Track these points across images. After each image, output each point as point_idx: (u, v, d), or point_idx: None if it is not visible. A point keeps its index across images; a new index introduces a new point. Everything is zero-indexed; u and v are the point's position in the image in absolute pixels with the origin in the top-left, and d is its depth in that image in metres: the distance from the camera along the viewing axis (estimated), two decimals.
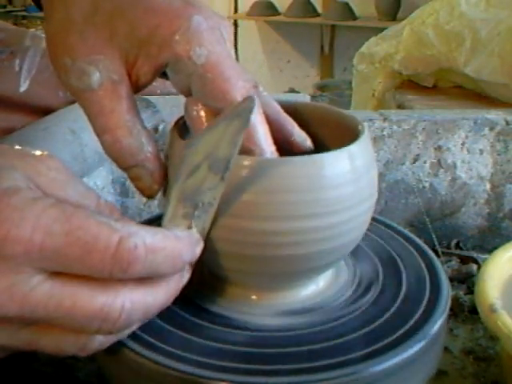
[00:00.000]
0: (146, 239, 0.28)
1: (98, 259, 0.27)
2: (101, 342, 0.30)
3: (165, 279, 0.30)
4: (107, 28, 0.34)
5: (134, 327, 0.31)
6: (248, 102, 0.30)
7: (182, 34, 0.33)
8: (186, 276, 0.32)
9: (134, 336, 0.32)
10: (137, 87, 0.36)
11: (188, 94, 0.35)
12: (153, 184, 0.35)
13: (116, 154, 0.34)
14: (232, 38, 0.38)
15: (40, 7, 0.43)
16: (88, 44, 0.34)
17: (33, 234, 0.26)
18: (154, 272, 0.29)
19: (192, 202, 0.31)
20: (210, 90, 0.33)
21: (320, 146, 0.38)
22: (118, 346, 0.32)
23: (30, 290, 0.26)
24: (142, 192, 0.36)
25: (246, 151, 0.33)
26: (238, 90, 0.33)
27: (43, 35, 0.64)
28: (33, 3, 0.45)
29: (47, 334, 0.28)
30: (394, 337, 0.33)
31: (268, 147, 0.34)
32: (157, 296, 0.30)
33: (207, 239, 0.33)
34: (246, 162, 0.32)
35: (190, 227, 0.32)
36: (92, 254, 0.27)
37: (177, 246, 0.30)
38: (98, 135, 0.34)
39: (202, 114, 0.34)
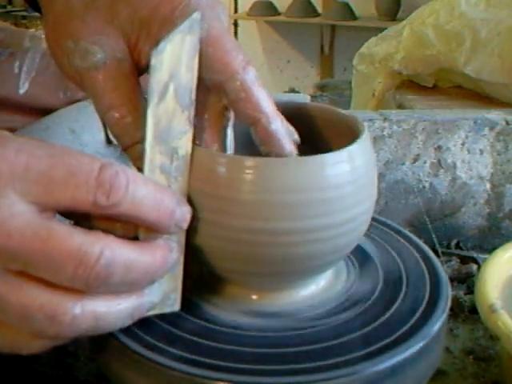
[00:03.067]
0: (127, 170, 0.28)
1: (82, 180, 0.27)
2: (56, 333, 0.28)
3: (151, 241, 0.30)
4: (108, 11, 0.35)
5: (117, 303, 0.29)
6: (194, 14, 0.32)
7: (181, 9, 0.34)
8: (174, 253, 0.31)
9: (133, 336, 0.33)
10: (139, 69, 0.36)
11: None
12: None
13: (121, 131, 0.34)
14: (227, 21, 0.38)
15: (34, 8, 0.43)
16: (90, 27, 0.34)
17: (17, 154, 0.26)
18: (137, 212, 0.28)
19: (167, 147, 0.32)
20: (211, 63, 0.33)
21: (320, 146, 0.38)
22: (118, 346, 0.32)
23: (10, 215, 0.26)
24: None
25: (251, 122, 0.33)
26: (239, 62, 0.33)
27: (43, 36, 0.64)
28: (29, 6, 0.45)
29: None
30: (394, 337, 0.33)
31: (275, 113, 0.34)
32: (141, 257, 0.29)
33: (206, 239, 0.33)
34: (247, 162, 0.32)
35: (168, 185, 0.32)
36: (76, 176, 0.27)
37: (158, 192, 0.29)
38: (103, 113, 0.34)
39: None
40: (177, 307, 0.34)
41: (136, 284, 0.30)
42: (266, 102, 0.34)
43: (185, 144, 0.32)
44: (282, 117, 0.35)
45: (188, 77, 0.32)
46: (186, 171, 0.33)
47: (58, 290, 0.27)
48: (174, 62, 0.31)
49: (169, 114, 0.32)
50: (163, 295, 0.32)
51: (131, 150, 0.35)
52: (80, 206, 0.27)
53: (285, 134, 0.34)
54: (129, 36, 0.35)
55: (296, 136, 0.37)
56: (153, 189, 0.29)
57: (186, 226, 0.32)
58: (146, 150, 0.31)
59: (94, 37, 0.34)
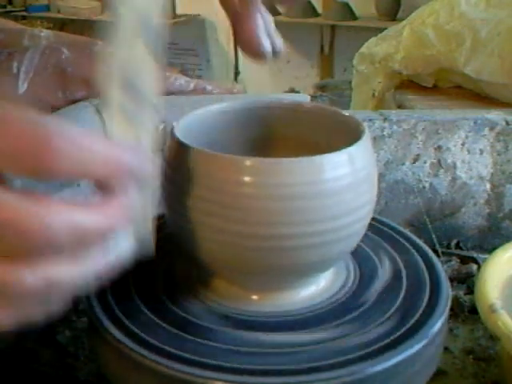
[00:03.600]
0: (69, 129, 0.25)
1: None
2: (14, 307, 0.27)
3: (103, 198, 0.28)
4: None
5: (71, 265, 0.27)
6: None
7: None
8: (133, 204, 0.29)
9: (133, 335, 0.33)
10: None
11: None
12: None
13: None
14: None
15: None
16: None
17: None
18: (82, 168, 0.26)
19: (132, 89, 0.30)
20: None
21: (320, 147, 0.38)
22: (118, 346, 0.32)
23: None
24: None
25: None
26: None
27: (42, 33, 0.64)
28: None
29: None
30: (394, 337, 0.33)
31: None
32: (88, 216, 0.27)
33: (205, 242, 0.33)
34: (247, 162, 0.32)
35: (137, 138, 0.30)
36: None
37: (111, 147, 0.27)
38: None
39: None
40: (151, 252, 0.32)
41: (90, 244, 0.27)
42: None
43: (151, 89, 0.31)
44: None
45: (157, 20, 0.30)
46: (156, 121, 0.31)
47: (4, 259, 0.26)
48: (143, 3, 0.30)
49: (136, 57, 0.30)
50: (133, 244, 0.30)
51: None
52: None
53: (265, 29, 0.35)
54: None
55: (280, 47, 0.38)
56: (103, 149, 0.27)
57: (146, 174, 0.29)
58: (112, 96, 0.29)
59: None
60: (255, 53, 0.39)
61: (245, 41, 0.39)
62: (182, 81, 0.66)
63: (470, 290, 0.54)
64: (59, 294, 0.28)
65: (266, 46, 0.38)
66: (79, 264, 0.28)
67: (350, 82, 1.25)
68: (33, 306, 0.28)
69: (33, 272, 0.26)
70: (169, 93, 0.67)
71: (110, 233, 0.28)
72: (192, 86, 0.67)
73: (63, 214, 0.26)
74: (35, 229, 0.25)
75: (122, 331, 0.33)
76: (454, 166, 0.63)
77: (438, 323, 0.34)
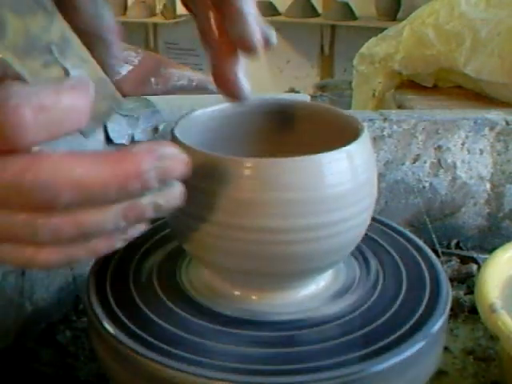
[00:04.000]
0: (31, 100, 0.24)
1: None
2: (49, 252, 0.27)
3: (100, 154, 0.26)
4: None
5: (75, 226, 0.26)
6: None
7: None
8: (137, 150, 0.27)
9: (133, 335, 0.33)
10: None
11: None
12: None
13: None
14: None
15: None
16: None
17: None
18: (55, 129, 0.25)
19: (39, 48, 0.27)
20: None
21: (320, 146, 0.38)
22: (118, 346, 0.32)
23: None
24: None
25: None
26: None
27: None
28: None
29: None
30: (394, 337, 0.33)
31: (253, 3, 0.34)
32: (92, 164, 0.25)
33: (205, 238, 0.33)
34: (246, 162, 0.32)
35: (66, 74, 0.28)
36: None
37: (73, 95, 0.25)
38: None
39: None
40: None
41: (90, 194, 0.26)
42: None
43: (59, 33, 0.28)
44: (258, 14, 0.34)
45: None
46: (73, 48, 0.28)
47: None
48: None
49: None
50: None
51: None
52: None
53: (256, 21, 0.33)
54: None
55: (274, 39, 0.36)
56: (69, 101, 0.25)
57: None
58: None
59: None
60: (235, 95, 0.37)
61: (223, 84, 0.37)
62: (184, 81, 0.66)
63: (470, 290, 0.55)
64: (89, 234, 0.27)
65: (246, 88, 0.37)
66: (103, 213, 0.27)
67: (350, 82, 1.25)
68: (73, 247, 0.28)
69: (62, 217, 0.26)
70: (169, 92, 0.67)
71: (118, 190, 0.26)
72: (194, 85, 0.67)
73: (64, 169, 0.25)
74: (29, 192, 0.25)
75: (122, 331, 0.33)
76: (454, 166, 0.63)
77: (438, 323, 0.34)
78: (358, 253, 0.41)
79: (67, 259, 0.28)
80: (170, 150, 0.27)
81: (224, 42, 0.35)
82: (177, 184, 0.28)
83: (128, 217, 0.27)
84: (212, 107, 0.40)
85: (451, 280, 0.54)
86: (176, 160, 0.27)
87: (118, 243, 0.29)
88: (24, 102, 0.24)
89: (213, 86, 0.40)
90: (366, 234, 0.37)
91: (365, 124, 0.36)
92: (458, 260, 0.60)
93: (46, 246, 0.27)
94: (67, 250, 0.28)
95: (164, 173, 0.27)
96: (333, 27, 3.38)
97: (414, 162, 0.63)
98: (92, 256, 0.29)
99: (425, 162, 0.63)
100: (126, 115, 0.56)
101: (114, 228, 0.28)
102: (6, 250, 0.27)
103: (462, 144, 0.63)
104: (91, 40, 0.32)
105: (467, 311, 0.52)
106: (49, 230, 0.26)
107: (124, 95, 0.35)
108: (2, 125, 0.24)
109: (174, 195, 0.29)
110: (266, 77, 3.47)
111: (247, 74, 0.36)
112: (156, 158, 0.26)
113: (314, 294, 0.37)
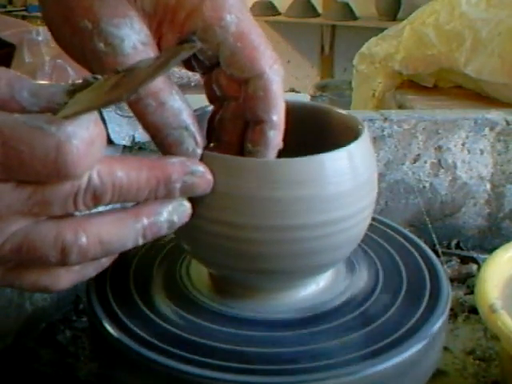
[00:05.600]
0: (83, 135, 0.25)
1: (40, 166, 0.25)
2: (76, 272, 0.28)
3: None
4: None
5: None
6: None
7: (212, 0, 0.32)
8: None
9: (133, 335, 0.33)
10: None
11: (213, 62, 0.34)
12: (196, 147, 0.32)
13: (159, 118, 0.32)
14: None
15: None
16: (110, 6, 0.32)
17: None
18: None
19: None
20: (238, 60, 0.33)
21: (320, 146, 0.38)
22: (118, 346, 0.32)
23: None
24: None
25: (255, 120, 0.33)
26: (267, 59, 0.33)
27: (39, 38, 0.64)
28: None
29: (25, 274, 0.28)
30: (394, 337, 0.33)
31: (280, 121, 0.34)
32: (131, 166, 0.28)
33: (206, 237, 0.33)
34: (247, 162, 0.32)
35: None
36: (32, 162, 0.25)
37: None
38: (136, 103, 0.32)
39: (232, 82, 0.34)
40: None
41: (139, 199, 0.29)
42: (277, 108, 0.34)
43: None
44: (283, 126, 0.35)
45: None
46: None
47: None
48: None
49: None
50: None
51: (168, 137, 0.32)
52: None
53: (276, 145, 0.34)
54: (150, 20, 0.33)
55: (281, 146, 0.36)
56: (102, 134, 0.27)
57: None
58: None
59: (116, 19, 0.31)
60: None
61: None
62: (184, 81, 0.66)
63: (470, 290, 0.55)
64: (110, 253, 0.29)
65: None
66: (129, 221, 0.29)
67: (350, 82, 1.25)
68: (88, 266, 0.29)
69: (85, 232, 0.27)
70: None
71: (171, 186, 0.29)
72: (193, 85, 0.67)
73: (111, 172, 0.27)
74: (84, 191, 0.26)
75: (122, 331, 0.33)
76: (455, 166, 0.63)
77: (438, 323, 0.34)
78: (359, 253, 0.41)
79: (81, 279, 0.30)
80: (200, 168, 0.31)
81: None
82: (186, 202, 0.31)
83: (146, 235, 0.29)
84: (211, 107, 0.40)
85: (451, 280, 0.54)
86: (203, 179, 0.31)
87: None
88: (81, 143, 0.25)
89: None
90: (366, 234, 0.37)
91: (365, 124, 0.36)
92: (458, 260, 0.60)
93: (73, 267, 0.28)
94: (82, 270, 0.29)
95: (189, 188, 0.30)
96: (333, 27, 3.38)
97: (414, 162, 0.63)
98: (98, 272, 0.30)
99: (425, 162, 0.63)
100: (127, 116, 0.56)
101: (132, 246, 0.29)
102: (30, 277, 0.28)
103: (463, 144, 0.63)
104: None
105: (467, 311, 0.52)
106: (78, 250, 0.27)
107: None
108: (62, 165, 0.25)
109: (185, 213, 0.31)
110: None
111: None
112: (186, 172, 0.30)
113: (314, 294, 0.37)
